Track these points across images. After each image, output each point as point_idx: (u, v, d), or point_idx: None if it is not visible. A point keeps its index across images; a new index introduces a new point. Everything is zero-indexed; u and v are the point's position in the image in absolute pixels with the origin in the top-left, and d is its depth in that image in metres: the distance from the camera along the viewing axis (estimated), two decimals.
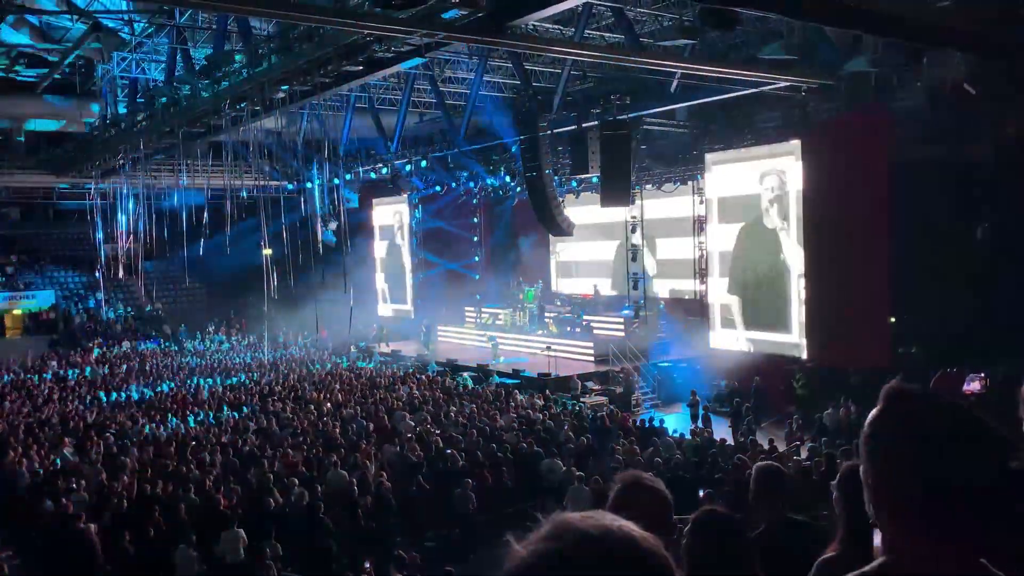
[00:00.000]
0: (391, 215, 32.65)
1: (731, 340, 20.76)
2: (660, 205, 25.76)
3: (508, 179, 26.81)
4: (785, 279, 19.26)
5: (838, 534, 3.07)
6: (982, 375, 3.18)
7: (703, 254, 22.68)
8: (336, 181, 28.22)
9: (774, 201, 19.50)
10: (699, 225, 23.07)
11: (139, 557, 10.37)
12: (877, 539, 2.23)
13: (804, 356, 19.02)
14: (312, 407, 18.42)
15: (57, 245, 37.00)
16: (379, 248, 33.52)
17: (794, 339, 19.08)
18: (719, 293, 21.10)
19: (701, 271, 22.93)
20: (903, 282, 17.05)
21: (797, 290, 18.89)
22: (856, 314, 17.39)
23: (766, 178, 19.63)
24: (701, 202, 22.68)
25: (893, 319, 18.09)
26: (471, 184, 28.41)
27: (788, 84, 17.03)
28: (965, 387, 3.13)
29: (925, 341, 18.71)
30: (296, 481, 12.38)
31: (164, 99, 20.37)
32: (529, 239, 30.71)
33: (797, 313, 18.95)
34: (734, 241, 20.64)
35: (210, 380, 22.87)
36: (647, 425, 16.99)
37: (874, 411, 1.40)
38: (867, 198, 17.13)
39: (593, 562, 0.97)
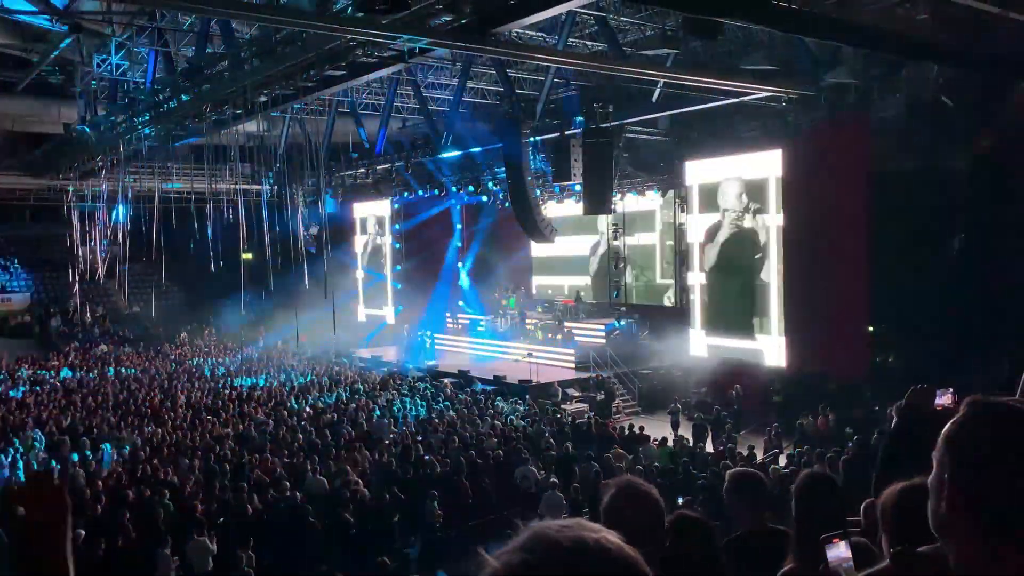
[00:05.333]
0: (373, 220, 32.56)
1: (711, 348, 20.84)
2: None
3: (491, 185, 26.82)
4: (760, 287, 19.38)
5: (793, 545, 3.07)
6: (951, 390, 3.24)
7: (684, 262, 22.77)
8: (317, 183, 28.10)
9: (747, 212, 19.64)
10: (679, 230, 23.18)
11: (114, 563, 10.23)
12: (831, 552, 2.26)
13: (783, 364, 19.14)
14: (291, 413, 18.30)
15: (33, 247, 36.54)
16: (360, 253, 33.40)
17: (773, 347, 19.19)
18: (699, 300, 21.18)
19: (682, 279, 23.02)
20: (881, 291, 17.22)
21: (776, 298, 19.01)
22: (835, 323, 17.54)
23: (739, 193, 19.77)
24: (683, 210, 22.80)
25: (871, 328, 18.25)
26: (453, 190, 28.39)
27: (769, 94, 17.18)
28: (937, 400, 3.17)
29: (903, 350, 18.89)
30: (275, 487, 12.28)
31: (144, 102, 20.21)
32: (511, 245, 30.68)
33: (776, 321, 19.06)
34: (708, 250, 20.77)
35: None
36: (627, 432, 17.01)
37: (959, 418, 1.37)
38: (846, 207, 17.29)
39: (562, 573, 0.95)
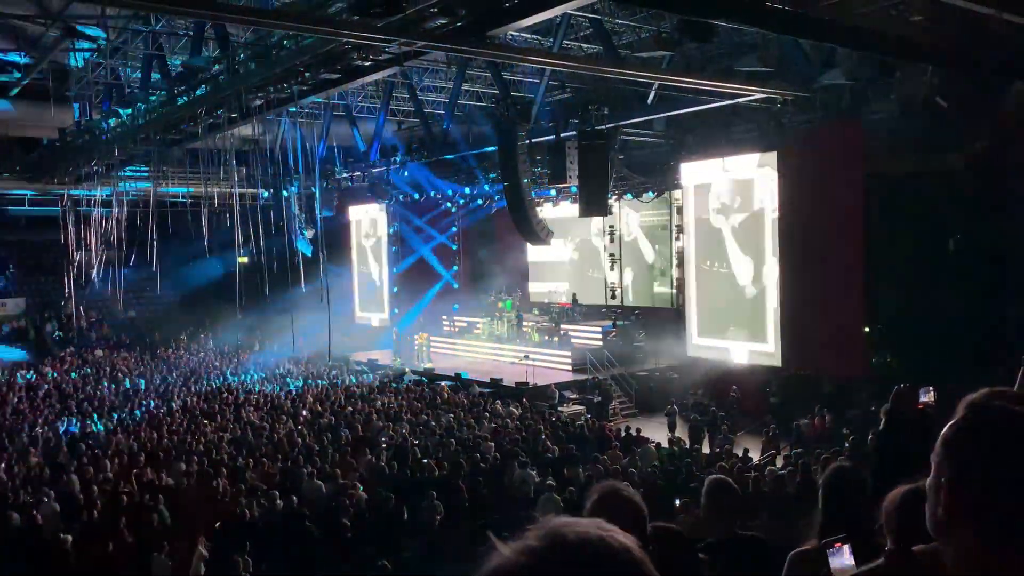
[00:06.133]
0: (368, 223, 32.53)
1: (707, 349, 20.86)
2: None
3: (487, 188, 26.84)
4: (756, 289, 19.40)
5: (816, 530, 3.13)
6: (931, 388, 3.29)
7: (679, 263, 22.79)
8: (313, 189, 28.10)
9: (736, 213, 19.68)
10: (676, 234, 23.21)
11: (110, 568, 10.20)
12: (834, 557, 2.27)
13: (780, 365, 19.16)
14: (287, 417, 18.27)
15: (28, 253, 36.43)
16: (356, 256, 33.37)
17: (770, 348, 19.21)
18: (695, 301, 21.20)
19: (678, 281, 23.05)
20: (877, 292, 17.25)
21: (772, 300, 19.03)
22: (831, 324, 17.55)
23: (732, 192, 19.80)
24: (678, 211, 22.85)
25: (867, 329, 18.28)
26: (449, 192, 28.41)
27: (764, 96, 17.21)
28: (920, 400, 3.23)
29: (899, 351, 18.93)
30: (271, 492, 12.25)
31: (139, 105, 20.17)
32: (507, 247, 30.67)
33: (773, 322, 19.08)
34: (700, 252, 20.82)
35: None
36: (624, 434, 17.01)
37: (957, 420, 1.36)
38: (842, 208, 17.32)
39: (583, 568, 0.98)
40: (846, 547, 2.30)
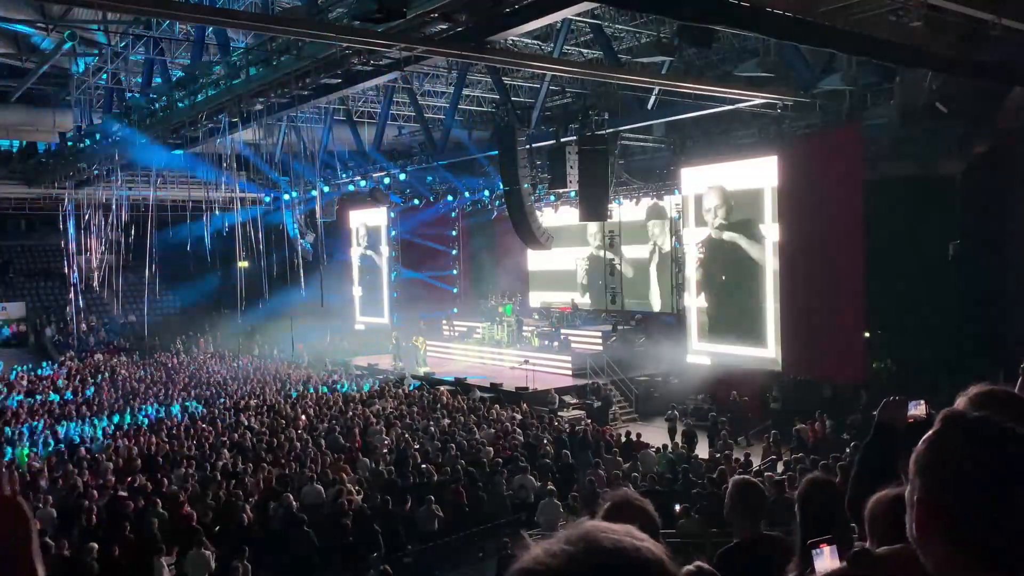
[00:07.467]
0: (369, 228, 32.55)
1: (708, 354, 20.83)
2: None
3: (487, 193, 26.84)
4: (757, 293, 19.39)
5: (797, 550, 3.07)
6: (922, 401, 3.28)
7: (679, 268, 22.78)
8: (313, 193, 28.13)
9: (736, 218, 19.68)
10: (676, 238, 23.21)
11: (108, 573, 10.17)
12: (818, 558, 2.27)
13: (780, 371, 19.14)
14: (287, 422, 18.24)
15: (28, 257, 36.46)
16: (356, 261, 33.38)
17: (770, 353, 19.20)
18: (695, 307, 21.19)
19: (678, 286, 23.04)
20: (878, 297, 17.24)
21: (773, 304, 19.02)
22: (831, 329, 17.54)
23: (732, 197, 19.80)
24: (678, 217, 22.85)
25: (868, 334, 18.26)
26: (449, 197, 28.40)
27: (764, 101, 17.22)
28: (910, 412, 3.20)
29: (899, 356, 18.91)
30: (270, 496, 12.23)
31: (140, 110, 20.18)
32: (507, 252, 30.68)
33: (773, 327, 19.07)
34: (703, 256, 20.80)
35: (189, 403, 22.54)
36: (625, 439, 16.98)
37: (930, 434, 1.35)
38: (842, 213, 17.31)
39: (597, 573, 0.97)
40: (828, 548, 2.31)
